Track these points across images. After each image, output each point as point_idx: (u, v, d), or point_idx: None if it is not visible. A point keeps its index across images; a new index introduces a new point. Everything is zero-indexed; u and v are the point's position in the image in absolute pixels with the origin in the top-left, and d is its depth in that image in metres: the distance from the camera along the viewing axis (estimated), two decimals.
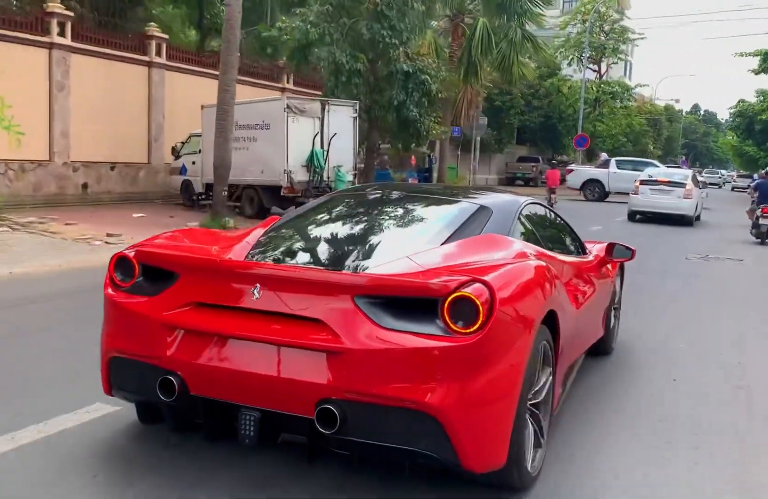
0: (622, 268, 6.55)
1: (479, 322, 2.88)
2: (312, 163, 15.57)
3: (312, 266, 3.52)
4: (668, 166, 34.20)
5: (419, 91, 17.39)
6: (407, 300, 2.99)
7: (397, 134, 18.68)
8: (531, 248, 4.03)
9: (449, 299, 2.90)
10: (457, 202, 4.43)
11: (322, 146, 15.93)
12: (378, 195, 4.87)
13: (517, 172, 45.59)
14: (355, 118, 16.56)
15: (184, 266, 3.41)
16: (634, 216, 21.26)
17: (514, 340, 3.13)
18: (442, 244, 3.70)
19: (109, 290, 3.54)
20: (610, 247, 5.59)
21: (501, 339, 3.01)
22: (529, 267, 3.58)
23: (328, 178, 16.08)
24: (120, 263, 3.55)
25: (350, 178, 16.56)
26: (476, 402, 2.93)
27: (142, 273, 3.50)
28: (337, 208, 4.57)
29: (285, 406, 3.03)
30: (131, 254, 3.55)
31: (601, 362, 5.82)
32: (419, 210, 4.37)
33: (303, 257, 3.78)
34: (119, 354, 3.43)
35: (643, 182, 21.52)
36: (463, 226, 3.95)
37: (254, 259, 3.56)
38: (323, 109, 16.06)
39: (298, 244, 4.07)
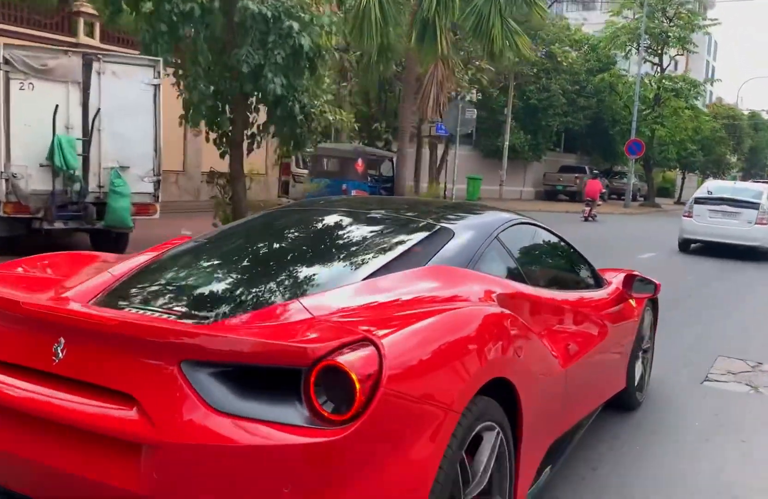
0: (654, 303, 5.28)
1: (355, 406, 2.01)
2: (54, 162, 8.99)
3: (138, 315, 2.51)
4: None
5: (285, 49, 10.54)
6: (259, 370, 2.11)
7: (273, 121, 11.88)
8: (499, 285, 3.18)
9: (315, 370, 2.04)
10: (410, 222, 3.55)
11: (87, 134, 9.38)
12: (314, 212, 3.94)
13: (557, 184, 37.92)
14: (156, 87, 9.83)
15: None
16: (686, 246, 16.15)
17: (420, 429, 2.21)
18: (365, 279, 2.82)
19: None
20: (628, 280, 4.55)
21: (394, 429, 2.13)
22: (467, 317, 2.66)
23: (100, 187, 9.50)
24: None
25: (147, 188, 9.88)
26: None
27: None
28: (256, 230, 3.76)
29: None
30: None
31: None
32: (356, 233, 3.50)
33: (157, 301, 2.79)
34: None
35: (699, 201, 16.01)
36: (405, 254, 3.07)
37: (101, 302, 2.69)
38: (88, 68, 9.37)
39: (172, 282, 3.01)
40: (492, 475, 2.61)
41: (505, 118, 33.68)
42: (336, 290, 2.70)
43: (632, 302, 4.64)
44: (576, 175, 37.24)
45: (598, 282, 4.49)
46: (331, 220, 3.72)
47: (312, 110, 11.38)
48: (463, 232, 3.38)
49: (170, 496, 2.06)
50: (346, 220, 3.68)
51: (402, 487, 2.16)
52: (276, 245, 3.53)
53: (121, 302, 2.68)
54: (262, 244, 3.56)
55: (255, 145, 12.18)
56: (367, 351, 2.10)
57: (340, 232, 3.55)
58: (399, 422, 2.15)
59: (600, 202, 26.84)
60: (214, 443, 2.03)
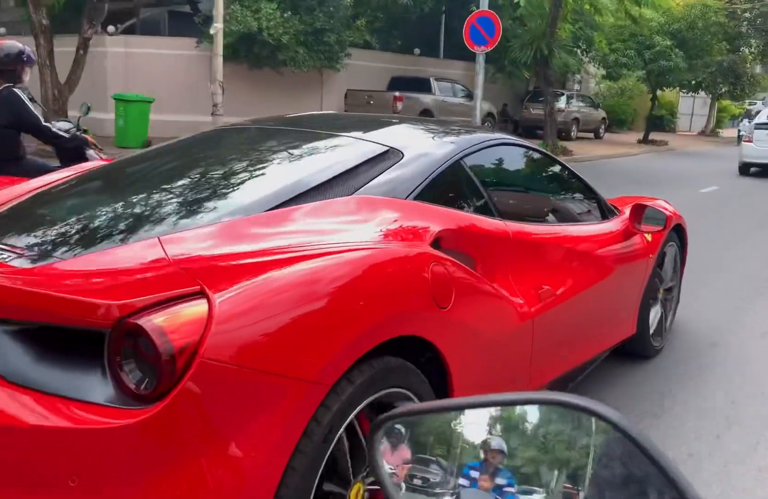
0: (680, 236, 4.70)
1: (161, 380, 1.64)
2: None
3: None
4: None
5: None
6: (68, 332, 1.74)
7: None
8: (446, 219, 2.61)
9: (118, 332, 1.67)
10: (355, 141, 2.96)
11: None
12: (241, 133, 3.46)
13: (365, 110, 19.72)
14: None
15: None
16: (746, 169, 17.44)
17: (264, 406, 1.76)
18: (269, 210, 2.32)
19: None
20: (637, 211, 3.90)
21: (221, 408, 1.71)
22: (359, 262, 2.11)
23: None
24: None
25: None
26: None
27: None
28: (167, 155, 3.23)
29: None
30: None
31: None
32: (284, 157, 2.97)
33: (12, 237, 2.25)
34: None
35: (759, 126, 17.36)
36: (332, 181, 2.53)
37: None
38: None
39: (36, 215, 2.57)
40: None
41: None
42: (216, 226, 2.19)
43: (647, 236, 4.09)
44: (398, 94, 19.08)
45: (605, 214, 3.92)
46: (260, 140, 3.26)
47: None
48: (415, 154, 2.81)
49: None
50: (279, 141, 3.17)
51: (236, 473, 1.71)
52: (184, 170, 2.93)
53: None
54: (168, 170, 3.01)
55: None
56: (191, 307, 1.71)
57: (264, 155, 3.01)
58: (230, 399, 1.71)
59: None
60: None
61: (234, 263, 1.95)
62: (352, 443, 2.05)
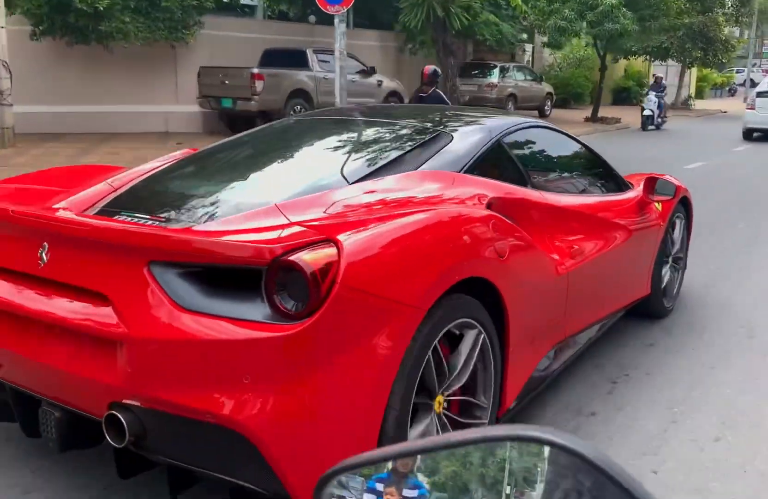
0: (687, 209, 5.16)
1: (310, 302, 2.12)
2: None
3: (112, 220, 2.57)
4: None
5: None
6: (225, 270, 2.25)
7: None
8: (493, 188, 3.16)
9: (273, 268, 2.14)
10: (410, 127, 3.63)
11: None
12: (317, 121, 4.18)
13: (222, 94, 15.16)
14: None
15: None
16: (750, 135, 18.80)
17: (380, 324, 2.29)
18: (352, 183, 2.86)
19: None
20: (649, 183, 4.42)
21: (352, 324, 2.24)
22: (439, 218, 2.69)
23: None
24: None
25: None
26: (308, 418, 2.17)
27: None
28: (258, 139, 3.90)
29: (81, 405, 2.39)
30: None
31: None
32: (354, 139, 3.61)
33: (144, 208, 2.75)
34: None
35: (760, 94, 18.61)
36: (399, 159, 3.11)
37: (94, 210, 2.75)
38: None
39: (164, 190, 3.11)
40: (475, 373, 2.74)
41: None
42: (319, 194, 2.72)
43: (657, 206, 4.53)
44: (257, 71, 14.97)
45: (621, 187, 4.43)
46: (331, 128, 3.81)
47: None
48: (463, 136, 3.39)
49: (143, 387, 2.17)
50: (346, 128, 3.81)
51: (361, 377, 2.25)
52: (273, 153, 3.58)
53: (112, 210, 2.70)
54: (259, 153, 3.66)
55: None
56: (326, 250, 2.17)
57: (338, 140, 3.59)
58: (357, 318, 2.23)
59: None
60: (178, 338, 2.15)
61: (343, 220, 2.46)
62: (436, 361, 2.51)
